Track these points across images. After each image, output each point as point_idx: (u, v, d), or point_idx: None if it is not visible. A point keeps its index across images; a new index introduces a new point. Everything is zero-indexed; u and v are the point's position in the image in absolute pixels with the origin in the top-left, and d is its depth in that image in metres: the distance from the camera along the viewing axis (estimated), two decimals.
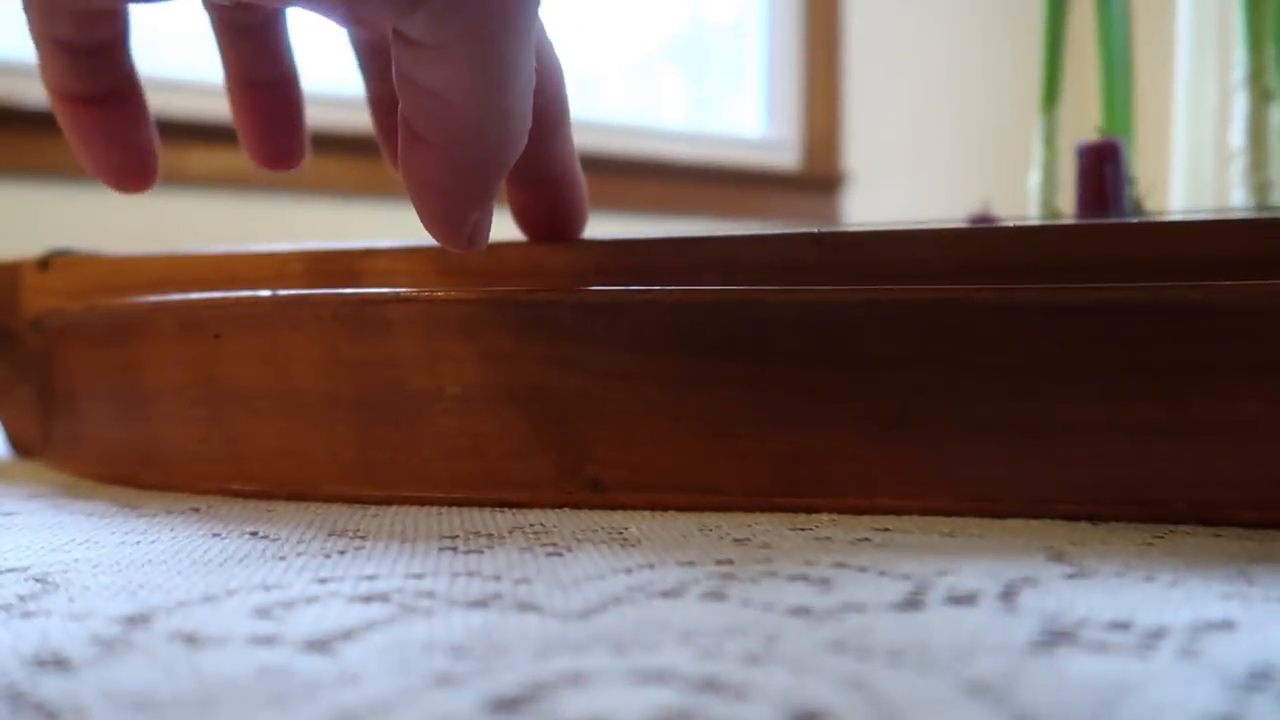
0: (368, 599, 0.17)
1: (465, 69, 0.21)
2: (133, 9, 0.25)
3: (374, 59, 0.28)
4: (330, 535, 0.23)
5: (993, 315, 0.24)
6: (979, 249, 0.25)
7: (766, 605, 0.17)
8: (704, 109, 1.98)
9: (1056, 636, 0.15)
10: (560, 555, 0.21)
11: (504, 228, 0.28)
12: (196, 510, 0.27)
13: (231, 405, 0.29)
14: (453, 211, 0.23)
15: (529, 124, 0.22)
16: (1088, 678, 0.13)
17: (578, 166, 0.28)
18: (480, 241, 0.24)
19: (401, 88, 0.21)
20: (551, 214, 0.28)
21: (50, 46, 0.25)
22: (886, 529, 0.23)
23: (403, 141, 0.22)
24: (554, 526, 0.24)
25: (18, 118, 1.48)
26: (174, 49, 1.60)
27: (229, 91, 0.30)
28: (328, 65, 1.67)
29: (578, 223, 0.28)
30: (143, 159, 0.27)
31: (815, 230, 0.26)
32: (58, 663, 0.14)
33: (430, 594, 0.18)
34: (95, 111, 0.26)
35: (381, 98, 0.29)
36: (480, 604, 0.17)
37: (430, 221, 0.23)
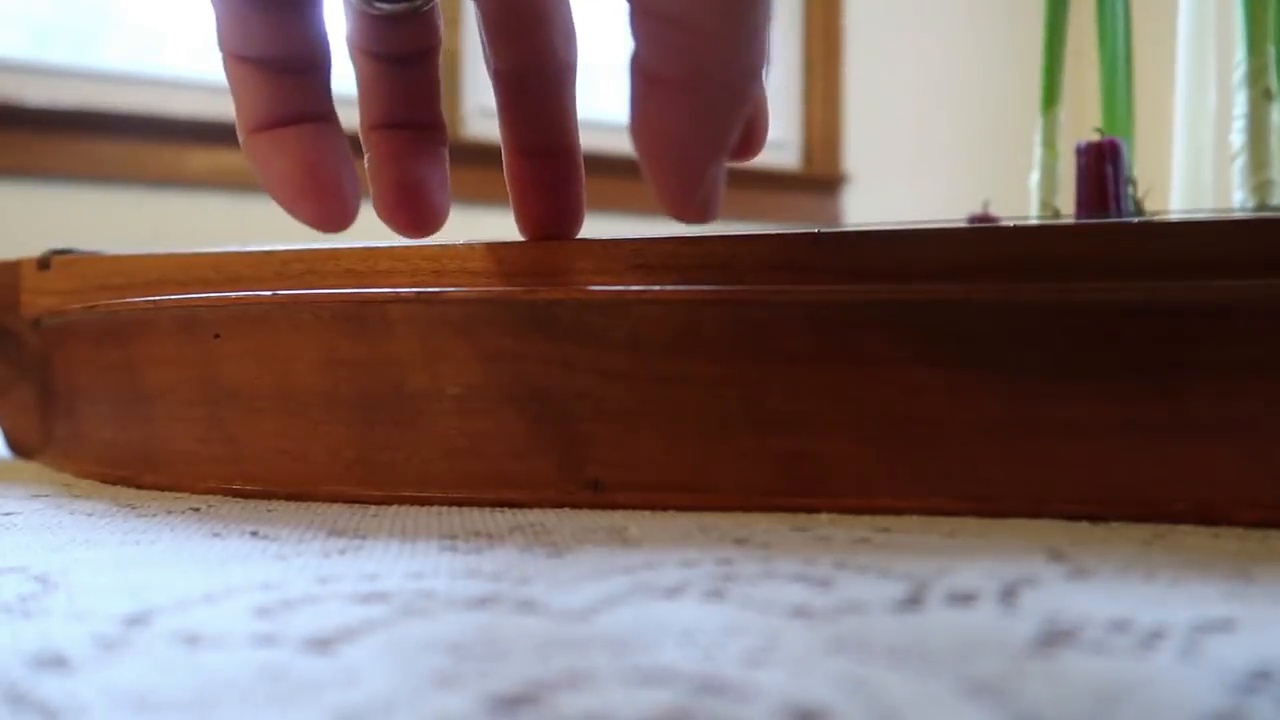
0: (368, 599, 0.17)
1: None
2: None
3: (500, 29, 0.26)
4: (330, 535, 0.23)
5: (993, 315, 0.24)
6: (979, 249, 0.25)
7: (766, 605, 0.17)
8: None
9: (1056, 636, 0.15)
10: (560, 555, 0.21)
11: (504, 228, 0.28)
12: (196, 510, 0.27)
13: (231, 405, 0.29)
14: (690, 165, 0.21)
15: (768, 55, 0.21)
16: (1087, 678, 0.13)
17: (578, 144, 0.27)
18: (713, 209, 0.22)
19: (639, 24, 0.20)
20: (553, 199, 0.27)
21: (247, 69, 0.23)
22: (886, 529, 0.23)
23: (636, 92, 0.21)
24: (554, 526, 0.24)
25: (18, 118, 1.48)
26: (174, 49, 1.60)
27: (506, 161, 0.27)
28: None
29: (576, 213, 0.28)
30: (341, 183, 0.24)
31: (815, 230, 0.26)
32: (58, 662, 0.14)
33: (430, 594, 0.18)
34: (290, 132, 0.24)
35: (509, 71, 0.27)
36: (480, 604, 0.17)
37: (663, 182, 0.21)
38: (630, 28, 0.20)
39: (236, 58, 0.24)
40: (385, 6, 0.25)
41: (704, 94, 0.20)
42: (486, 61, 0.27)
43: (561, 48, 0.27)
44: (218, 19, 0.23)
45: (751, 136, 0.25)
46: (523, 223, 0.28)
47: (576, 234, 0.28)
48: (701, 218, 0.22)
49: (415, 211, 0.26)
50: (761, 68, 0.21)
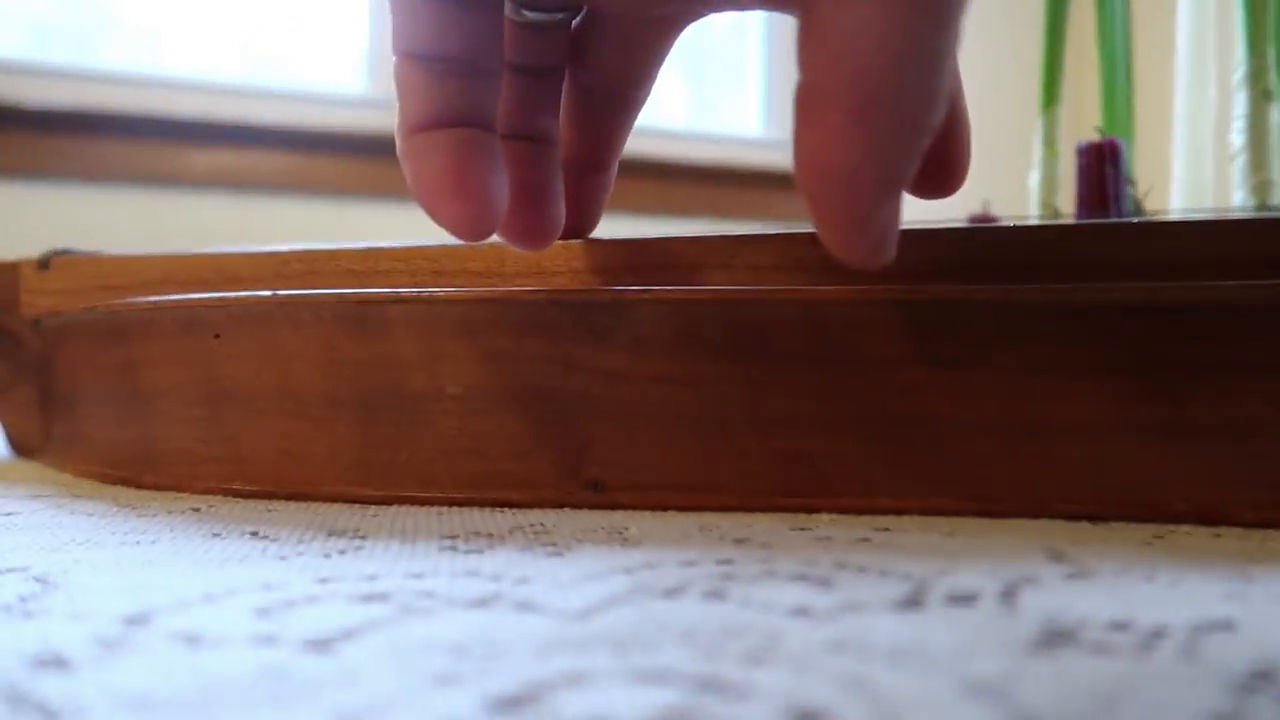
0: (368, 599, 0.17)
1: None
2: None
3: (618, 42, 0.26)
4: (330, 535, 0.23)
5: (993, 315, 0.24)
6: (979, 249, 0.25)
7: (766, 605, 0.17)
8: (704, 109, 1.98)
9: (1056, 636, 0.15)
10: (560, 555, 0.21)
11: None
12: (196, 510, 0.27)
13: (231, 405, 0.29)
14: (859, 202, 0.19)
15: (957, 81, 0.19)
16: (1088, 678, 0.13)
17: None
18: (888, 248, 0.20)
19: (810, 44, 0.19)
20: (582, 211, 0.27)
21: (416, 67, 0.23)
22: (886, 529, 0.23)
23: (801, 122, 0.19)
24: (554, 526, 0.24)
25: (18, 118, 1.48)
26: (174, 49, 1.60)
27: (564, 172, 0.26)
28: (328, 65, 1.67)
29: (595, 224, 0.27)
30: (487, 186, 0.23)
31: (815, 230, 0.26)
32: (58, 663, 0.14)
33: (430, 594, 0.18)
34: (445, 134, 0.23)
35: (597, 85, 0.26)
36: (480, 604, 0.17)
37: (830, 222, 0.19)
38: (800, 50, 0.19)
39: (406, 55, 0.23)
40: (533, 15, 0.24)
41: (878, 124, 0.18)
42: (571, 69, 0.26)
43: (655, 72, 0.26)
44: (393, 13, 0.23)
45: (951, 167, 0.23)
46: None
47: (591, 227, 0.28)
48: (873, 262, 0.20)
49: (531, 221, 0.26)
50: (945, 100, 0.19)
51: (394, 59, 0.23)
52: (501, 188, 0.23)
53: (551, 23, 0.25)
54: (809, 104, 0.19)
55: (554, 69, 0.26)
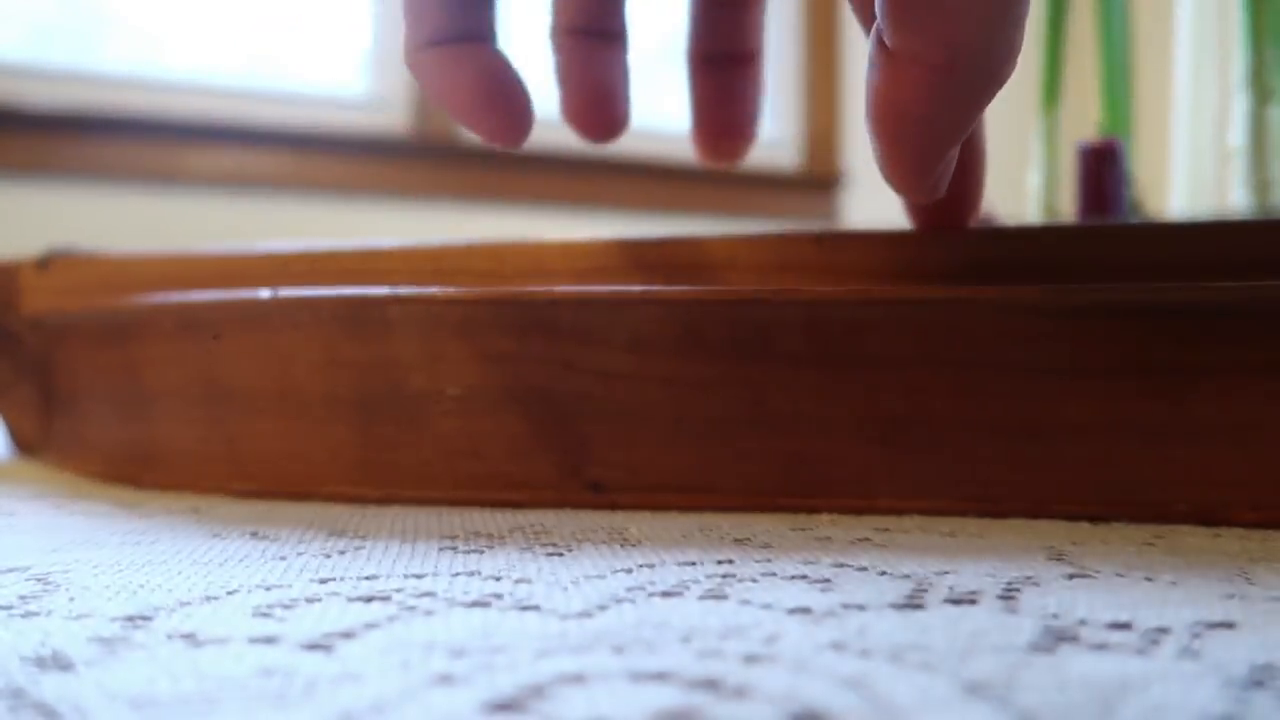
0: (368, 599, 0.17)
1: None
2: None
3: (710, 7, 0.26)
4: (330, 535, 0.23)
5: (993, 315, 0.24)
6: (979, 249, 0.25)
7: (766, 605, 0.17)
8: None
9: (1057, 636, 0.15)
10: (560, 555, 0.21)
11: (505, 228, 0.28)
12: (196, 510, 0.27)
13: (231, 405, 0.29)
14: (930, 149, 0.20)
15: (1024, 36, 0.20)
16: (1088, 677, 0.13)
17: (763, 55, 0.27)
18: (943, 186, 0.22)
19: (898, 4, 0.19)
20: (734, 110, 0.26)
21: None
22: (887, 529, 0.23)
23: (882, 72, 0.20)
24: (554, 526, 0.24)
25: (18, 118, 1.48)
26: (174, 50, 1.60)
27: (691, 73, 0.27)
28: (328, 66, 1.67)
29: (753, 126, 0.27)
30: (519, 94, 0.24)
31: (815, 230, 0.26)
32: (58, 662, 0.14)
33: (430, 594, 0.18)
34: (464, 48, 0.24)
35: (706, 52, 0.27)
36: (480, 604, 0.17)
37: (898, 162, 0.21)
38: (884, 6, 0.19)
39: None
40: None
41: (960, 77, 0.19)
42: None
43: None
44: None
45: (967, 197, 0.25)
46: (702, 139, 0.27)
47: (747, 151, 0.28)
48: (932, 195, 0.22)
49: (602, 116, 0.27)
50: (1017, 52, 0.20)
51: None
52: (529, 96, 0.24)
53: None
54: (891, 54, 0.20)
55: None
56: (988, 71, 0.20)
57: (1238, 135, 0.51)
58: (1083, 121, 0.57)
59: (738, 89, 0.26)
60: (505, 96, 0.24)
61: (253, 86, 1.57)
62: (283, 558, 0.21)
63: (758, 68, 0.27)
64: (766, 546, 0.21)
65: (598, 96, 0.26)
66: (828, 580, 0.18)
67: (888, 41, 0.20)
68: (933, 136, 0.20)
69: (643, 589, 0.18)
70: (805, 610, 0.16)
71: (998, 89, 0.20)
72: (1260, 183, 0.49)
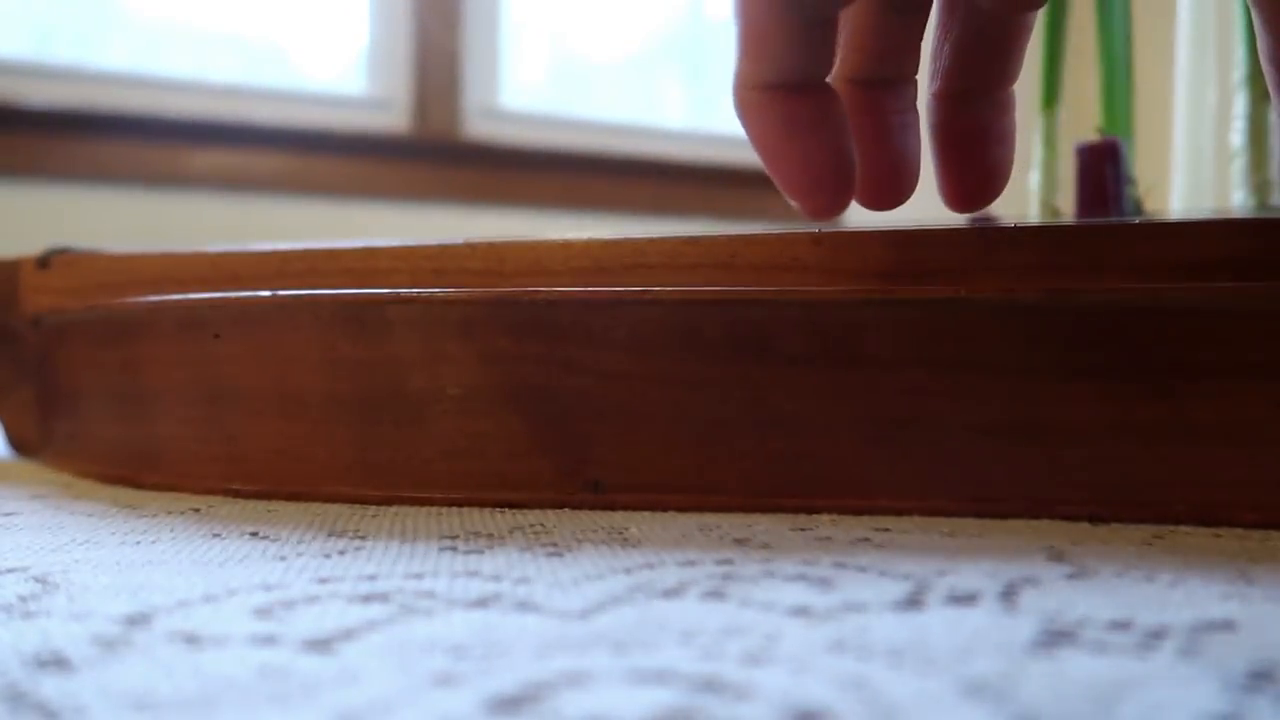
0: (368, 599, 0.17)
1: None
2: None
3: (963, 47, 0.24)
4: (330, 535, 0.23)
5: (993, 315, 0.24)
6: (979, 249, 0.25)
7: (766, 605, 0.17)
8: (703, 108, 1.98)
9: (1057, 636, 0.15)
10: (560, 555, 0.21)
11: (505, 228, 0.28)
12: (196, 510, 0.27)
13: (231, 405, 0.29)
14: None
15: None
16: (1088, 677, 0.13)
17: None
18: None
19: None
20: (998, 153, 0.24)
21: (780, 13, 0.20)
22: (886, 529, 0.23)
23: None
24: (554, 526, 0.24)
25: (18, 118, 1.47)
26: (175, 49, 1.60)
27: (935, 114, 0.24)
28: (328, 65, 1.67)
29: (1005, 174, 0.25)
30: (850, 168, 0.22)
31: (815, 230, 0.26)
32: (58, 663, 0.14)
33: (430, 594, 0.18)
34: (811, 104, 0.21)
35: (978, 11, 0.23)
36: (480, 604, 0.17)
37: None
38: (1268, 23, 0.19)
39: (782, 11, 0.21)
40: None
41: None
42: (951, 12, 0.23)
43: None
44: None
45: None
46: (951, 189, 0.25)
47: (997, 195, 0.25)
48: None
49: (897, 185, 0.24)
50: None
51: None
52: (853, 158, 0.22)
53: None
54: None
55: (924, 4, 0.23)
56: None
57: (1238, 135, 0.51)
58: (1083, 121, 0.57)
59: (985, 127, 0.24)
60: (839, 178, 0.22)
61: (252, 86, 1.57)
62: (283, 558, 0.21)
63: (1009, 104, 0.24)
64: (766, 546, 0.21)
65: (893, 163, 0.23)
66: (828, 580, 0.18)
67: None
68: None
69: (643, 589, 0.18)
70: (805, 610, 0.16)
71: None
72: (1260, 183, 0.49)
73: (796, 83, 0.21)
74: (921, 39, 0.24)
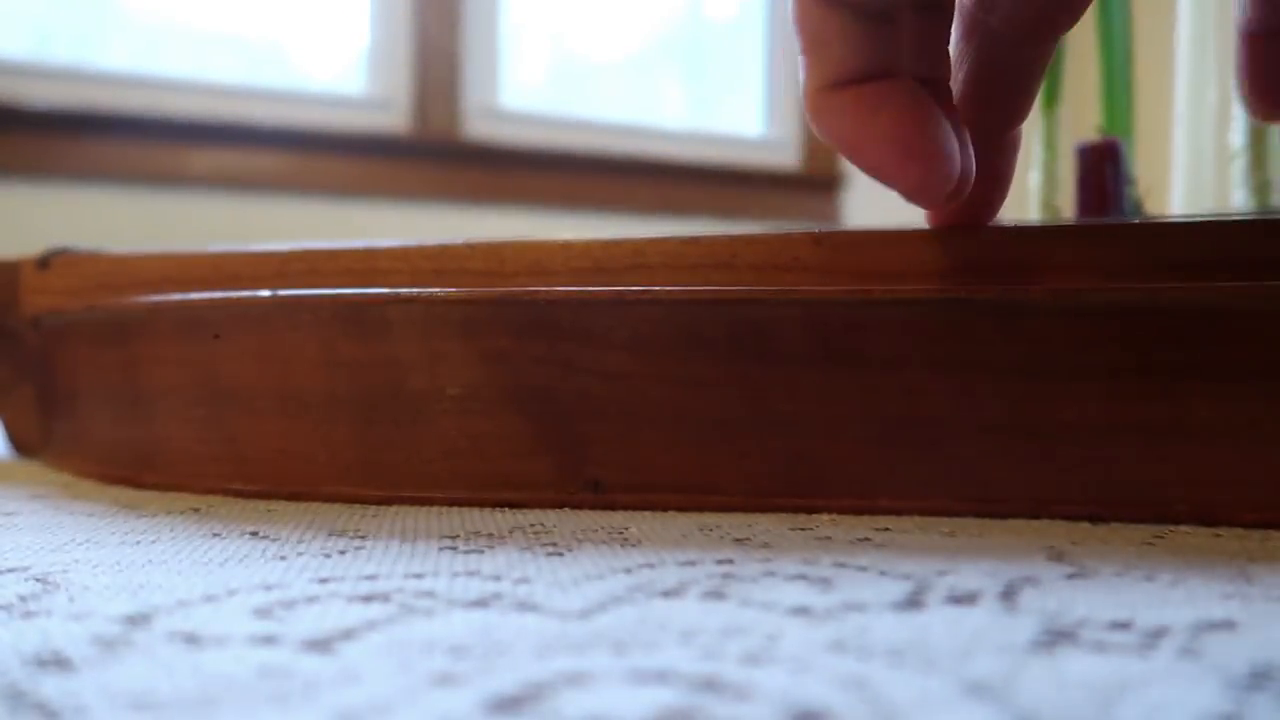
0: (368, 599, 0.17)
1: None
2: None
3: None
4: (330, 535, 0.23)
5: (993, 315, 0.24)
6: (979, 249, 0.25)
7: (766, 605, 0.17)
8: (703, 108, 1.98)
9: (1057, 636, 0.15)
10: (560, 555, 0.21)
11: (504, 228, 0.28)
12: (196, 510, 0.27)
13: (231, 405, 0.29)
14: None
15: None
16: (1088, 677, 0.13)
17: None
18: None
19: None
20: (999, 172, 0.24)
21: (836, 14, 0.21)
22: (887, 529, 0.23)
23: (1253, 54, 0.20)
24: (554, 526, 0.24)
25: (18, 118, 1.48)
26: (174, 49, 1.60)
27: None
28: (328, 65, 1.67)
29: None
30: (951, 142, 0.21)
31: (815, 230, 0.26)
32: (58, 662, 0.14)
33: (430, 594, 0.18)
34: (884, 86, 0.21)
35: (997, 33, 0.23)
36: (480, 604, 0.17)
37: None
38: None
39: (819, 1, 0.21)
40: None
41: None
42: (976, 14, 0.23)
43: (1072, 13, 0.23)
44: None
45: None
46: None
47: None
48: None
49: (941, 175, 0.23)
50: None
51: (799, 5, 0.21)
52: (957, 142, 0.21)
53: None
54: (1258, 35, 0.20)
55: (944, 2, 0.23)
56: None
57: (1238, 135, 0.51)
58: (1083, 121, 0.57)
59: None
60: (927, 146, 0.21)
61: (253, 86, 1.57)
62: (283, 558, 0.21)
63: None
64: (766, 546, 0.21)
65: (931, 150, 0.22)
66: (828, 580, 0.18)
67: (1252, 25, 0.20)
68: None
69: (643, 589, 0.18)
70: (805, 610, 0.16)
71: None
72: (1260, 183, 0.49)
73: (861, 78, 0.21)
74: (946, 40, 0.23)
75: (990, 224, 0.25)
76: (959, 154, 0.21)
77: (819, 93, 0.22)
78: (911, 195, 0.22)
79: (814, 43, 0.21)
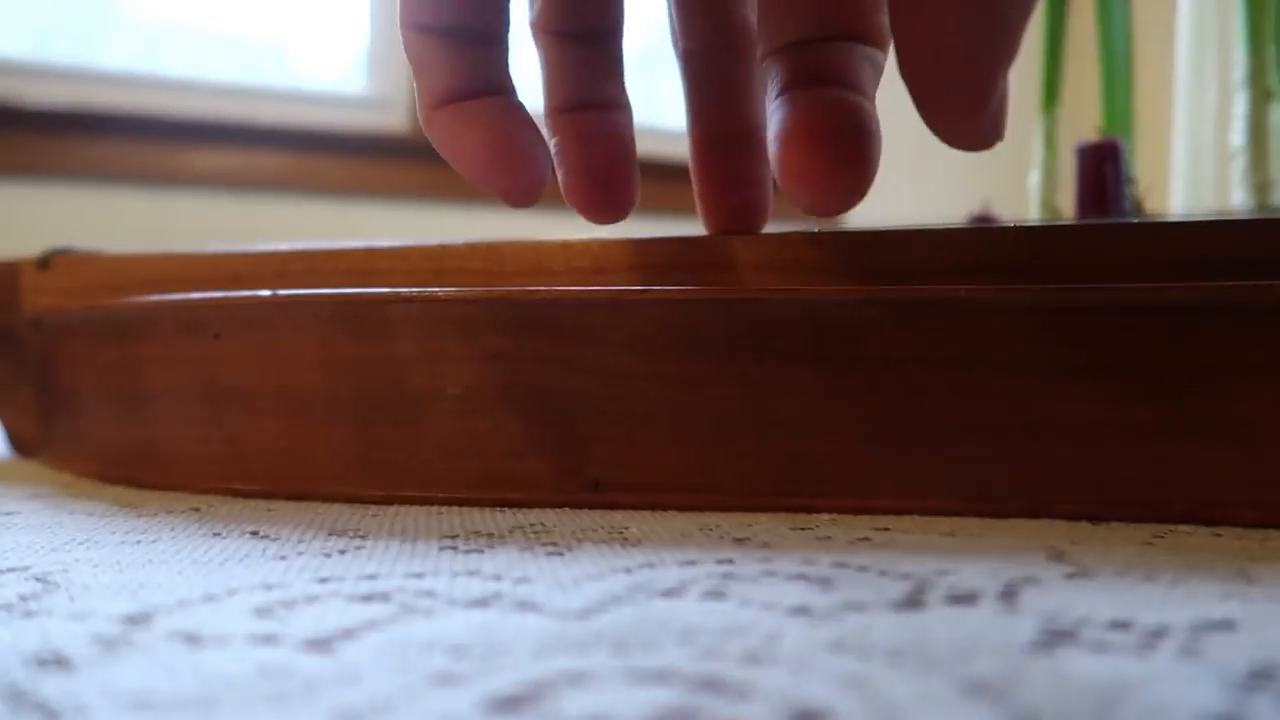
0: (368, 598, 0.17)
1: None
2: None
3: (696, 10, 0.26)
4: (330, 535, 0.23)
5: (993, 315, 0.24)
6: (979, 249, 0.25)
7: (766, 605, 0.17)
8: None
9: (1057, 636, 0.15)
10: (560, 555, 0.21)
11: (504, 228, 0.28)
12: (197, 510, 0.27)
13: (231, 405, 0.29)
14: (979, 77, 0.20)
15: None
16: (1088, 677, 0.13)
17: (764, 128, 0.25)
18: (1000, 130, 0.21)
19: None
20: (744, 190, 0.26)
21: (430, 40, 0.23)
22: (886, 528, 0.23)
23: (912, 12, 0.20)
24: (554, 526, 0.24)
25: (18, 118, 1.48)
26: (175, 49, 1.60)
27: (694, 152, 0.27)
28: (328, 65, 1.67)
29: (766, 204, 0.26)
30: (534, 153, 0.24)
31: (815, 230, 0.26)
32: (58, 662, 0.14)
33: (430, 593, 0.18)
34: (478, 104, 0.24)
35: (697, 52, 0.26)
36: (480, 604, 0.17)
37: (949, 103, 0.20)
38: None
39: (418, 29, 0.23)
40: None
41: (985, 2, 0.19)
42: (674, 42, 0.26)
43: (752, 21, 0.26)
44: None
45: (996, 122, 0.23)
46: (712, 218, 0.27)
47: (763, 226, 0.27)
48: (989, 140, 0.21)
49: (604, 196, 0.26)
50: None
51: (403, 34, 0.23)
52: (545, 150, 0.24)
53: None
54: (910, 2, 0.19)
55: (606, 32, 0.26)
56: None
57: (1238, 135, 0.51)
58: (1083, 121, 0.57)
59: (602, 134, 0.26)
60: (515, 157, 0.23)
61: (253, 86, 1.57)
62: (283, 557, 0.21)
63: (626, 117, 0.27)
64: (766, 546, 0.21)
65: (597, 176, 0.26)
66: (828, 580, 0.18)
67: None
68: (979, 67, 0.19)
69: (643, 588, 0.18)
70: (805, 610, 0.16)
71: (1031, 4, 0.19)
72: (1260, 183, 0.49)
73: (462, 96, 0.24)
74: (614, 66, 0.26)
75: (861, 226, 0.26)
76: (545, 163, 0.24)
77: (428, 111, 0.24)
78: (505, 199, 0.24)
79: (419, 67, 0.24)
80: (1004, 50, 0.19)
